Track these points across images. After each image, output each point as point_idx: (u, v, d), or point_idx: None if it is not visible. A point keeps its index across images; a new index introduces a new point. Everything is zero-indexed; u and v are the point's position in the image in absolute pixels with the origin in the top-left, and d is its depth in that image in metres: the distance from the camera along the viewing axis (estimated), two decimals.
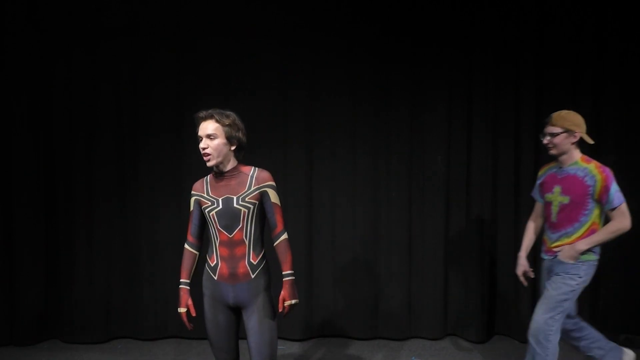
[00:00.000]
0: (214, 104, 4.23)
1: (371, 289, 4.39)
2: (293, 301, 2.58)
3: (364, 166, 4.33)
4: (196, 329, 4.36)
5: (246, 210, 2.57)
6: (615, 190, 2.97)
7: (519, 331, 4.31)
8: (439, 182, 4.33)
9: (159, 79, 4.26)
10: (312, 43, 4.27)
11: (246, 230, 2.58)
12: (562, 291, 2.98)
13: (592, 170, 2.98)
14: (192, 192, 2.69)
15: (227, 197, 2.58)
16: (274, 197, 2.63)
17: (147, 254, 4.34)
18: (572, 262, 2.97)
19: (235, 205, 2.56)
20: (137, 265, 4.34)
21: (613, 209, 2.97)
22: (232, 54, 4.25)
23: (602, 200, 2.97)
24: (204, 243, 2.74)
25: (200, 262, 2.74)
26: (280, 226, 2.63)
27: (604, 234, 2.99)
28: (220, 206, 2.58)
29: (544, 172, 3.23)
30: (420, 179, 4.34)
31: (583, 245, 2.96)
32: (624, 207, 2.98)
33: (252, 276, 2.59)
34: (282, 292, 2.58)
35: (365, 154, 4.34)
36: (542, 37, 4.25)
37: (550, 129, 3.04)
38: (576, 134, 3.00)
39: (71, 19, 4.18)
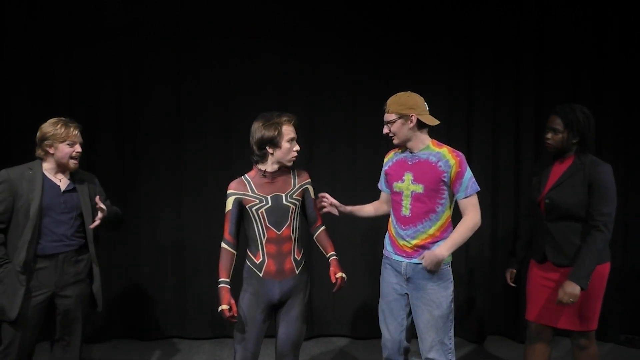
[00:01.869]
0: (214, 104, 4.30)
1: (371, 289, 4.38)
2: (343, 274, 2.75)
3: (365, 164, 4.33)
4: (195, 330, 4.41)
5: (294, 207, 2.71)
6: (469, 176, 2.67)
7: (517, 331, 4.31)
8: None
9: (159, 79, 4.26)
10: (312, 42, 4.27)
11: (293, 227, 2.71)
12: (445, 306, 2.70)
13: (446, 155, 2.67)
14: (231, 191, 2.71)
15: (276, 194, 2.69)
16: (313, 192, 2.85)
17: (147, 254, 4.34)
18: (437, 269, 2.67)
19: (284, 202, 2.68)
20: (137, 266, 4.34)
21: (466, 197, 2.67)
22: (232, 54, 4.25)
23: (454, 187, 2.67)
24: (242, 241, 2.79)
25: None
26: (320, 219, 2.87)
27: (462, 232, 2.67)
28: (270, 203, 2.67)
29: (390, 159, 2.85)
30: None
31: (445, 251, 2.65)
32: (476, 198, 2.69)
33: (297, 272, 2.73)
34: (331, 269, 2.75)
35: (366, 152, 4.34)
36: (542, 37, 4.26)
37: (386, 116, 2.71)
38: (412, 118, 2.66)
39: (71, 18, 4.17)
